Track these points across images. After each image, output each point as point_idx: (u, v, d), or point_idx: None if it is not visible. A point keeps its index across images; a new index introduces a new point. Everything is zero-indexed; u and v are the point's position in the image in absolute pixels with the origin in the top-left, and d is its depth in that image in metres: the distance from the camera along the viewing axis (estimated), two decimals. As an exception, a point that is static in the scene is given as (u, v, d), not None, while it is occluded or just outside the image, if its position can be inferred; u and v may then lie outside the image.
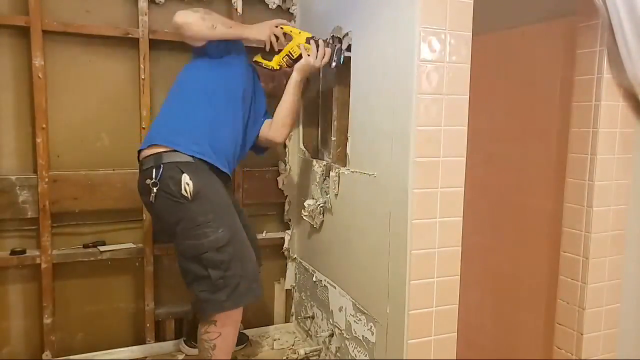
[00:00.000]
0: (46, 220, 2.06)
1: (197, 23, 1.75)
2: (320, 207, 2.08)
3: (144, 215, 2.21)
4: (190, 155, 1.73)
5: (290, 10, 2.41)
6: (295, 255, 2.49)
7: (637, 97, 1.74)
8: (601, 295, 1.82)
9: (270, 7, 2.38)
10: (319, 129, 2.31)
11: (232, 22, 1.91)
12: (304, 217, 2.19)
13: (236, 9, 2.30)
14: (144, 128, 2.18)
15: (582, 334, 1.81)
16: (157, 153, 1.74)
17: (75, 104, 2.13)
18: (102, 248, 2.17)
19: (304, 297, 2.39)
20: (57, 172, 2.09)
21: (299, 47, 1.90)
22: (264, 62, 1.97)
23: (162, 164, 1.71)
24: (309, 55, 1.89)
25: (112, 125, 2.20)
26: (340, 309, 1.96)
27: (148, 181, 1.71)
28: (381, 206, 1.63)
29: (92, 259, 2.15)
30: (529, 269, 2.11)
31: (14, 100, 2.05)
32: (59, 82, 2.09)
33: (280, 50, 1.95)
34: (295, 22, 2.41)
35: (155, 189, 1.69)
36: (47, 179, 2.05)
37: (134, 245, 2.24)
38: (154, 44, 2.19)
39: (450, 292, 1.54)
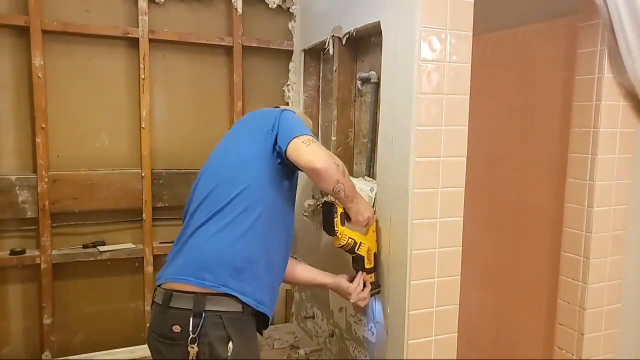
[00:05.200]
0: (46, 220, 2.06)
1: (332, 178, 1.40)
2: (320, 207, 2.07)
3: (143, 215, 2.21)
4: (244, 304, 1.37)
5: (291, 10, 2.41)
6: (296, 255, 2.49)
7: (638, 97, 1.74)
8: (602, 295, 1.82)
9: (270, 6, 2.38)
10: (319, 128, 2.31)
11: (350, 186, 1.49)
12: (304, 217, 2.18)
13: (236, 9, 2.30)
14: (143, 128, 2.18)
15: (582, 334, 1.81)
16: (199, 293, 1.34)
17: (75, 104, 2.13)
18: (101, 248, 2.17)
19: (304, 297, 2.39)
20: (57, 172, 2.08)
21: (368, 252, 1.61)
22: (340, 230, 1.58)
23: (205, 311, 1.32)
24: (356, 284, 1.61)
25: (112, 125, 2.20)
26: (340, 309, 1.96)
27: (177, 329, 1.32)
28: (381, 206, 1.63)
29: (91, 259, 2.15)
30: (529, 269, 2.11)
31: (14, 100, 2.04)
32: (58, 82, 2.09)
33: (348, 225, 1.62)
34: (295, 22, 2.41)
35: (194, 346, 1.30)
36: (46, 179, 2.04)
37: (134, 246, 2.24)
38: (154, 44, 2.19)
39: (450, 292, 1.54)
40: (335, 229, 1.55)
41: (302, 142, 1.38)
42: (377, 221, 1.63)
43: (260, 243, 1.41)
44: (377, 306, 1.67)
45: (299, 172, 1.49)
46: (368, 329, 1.74)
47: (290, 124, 1.45)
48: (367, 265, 1.61)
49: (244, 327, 1.38)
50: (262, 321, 1.46)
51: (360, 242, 1.59)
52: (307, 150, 1.37)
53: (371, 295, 1.64)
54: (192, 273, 1.36)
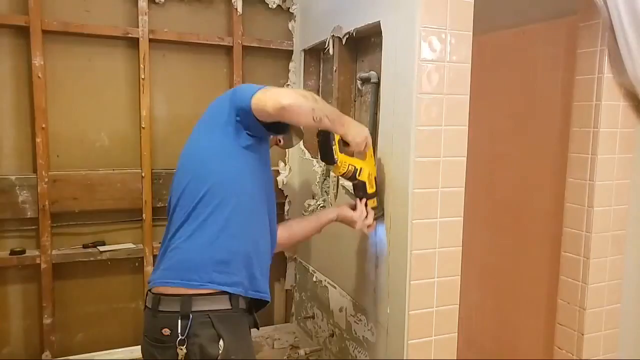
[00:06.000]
0: (46, 220, 2.06)
1: (305, 108, 1.32)
2: (321, 207, 2.08)
3: (143, 215, 2.21)
4: (234, 299, 1.37)
5: (291, 10, 2.41)
6: (295, 255, 2.49)
7: (638, 97, 1.74)
8: (602, 295, 1.82)
9: (270, 6, 2.38)
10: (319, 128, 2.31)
11: (332, 110, 1.47)
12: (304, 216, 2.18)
13: (236, 9, 2.30)
14: (143, 128, 2.18)
15: (582, 334, 1.81)
16: (186, 295, 1.33)
17: (75, 103, 2.13)
18: (101, 248, 2.17)
19: (304, 297, 2.39)
20: (57, 172, 2.08)
21: (369, 177, 1.58)
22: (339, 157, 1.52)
23: (192, 312, 1.32)
24: (358, 209, 1.60)
25: (112, 125, 2.20)
26: (340, 309, 1.96)
27: (167, 332, 1.32)
28: (381, 206, 1.63)
29: (91, 259, 2.15)
30: (529, 269, 2.11)
31: (14, 100, 2.04)
32: (58, 82, 2.09)
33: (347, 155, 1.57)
34: (295, 22, 2.41)
35: (182, 348, 1.30)
36: (46, 179, 2.04)
37: (134, 245, 2.24)
38: (154, 44, 2.19)
39: (450, 292, 1.54)
40: (335, 156, 1.48)
41: (261, 92, 1.33)
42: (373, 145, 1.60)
43: (241, 233, 1.39)
44: (380, 230, 1.64)
45: (269, 151, 1.49)
46: (368, 329, 1.74)
47: (243, 90, 1.39)
48: (369, 190, 1.57)
49: (234, 324, 1.38)
50: (259, 307, 1.47)
51: (361, 168, 1.55)
52: (269, 95, 1.31)
53: (375, 219, 1.62)
54: (178, 275, 1.35)
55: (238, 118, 1.37)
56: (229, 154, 1.40)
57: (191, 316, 1.31)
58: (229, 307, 1.36)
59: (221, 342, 1.32)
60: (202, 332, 1.31)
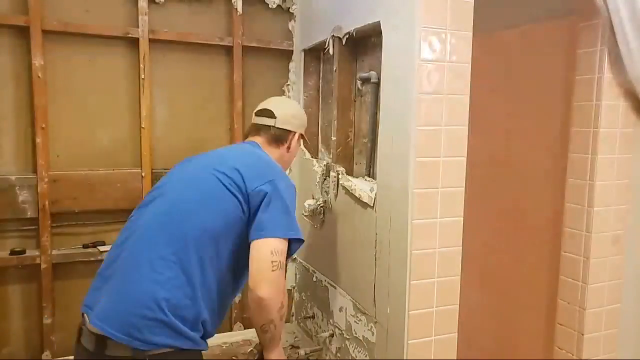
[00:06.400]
0: (46, 220, 2.06)
1: (278, 308, 1.37)
2: (321, 207, 2.08)
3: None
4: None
5: (291, 10, 2.41)
6: (295, 256, 2.49)
7: (638, 97, 1.74)
8: (602, 295, 1.82)
9: (270, 6, 2.38)
10: (319, 128, 2.31)
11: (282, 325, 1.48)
12: (304, 217, 2.18)
13: (236, 9, 2.30)
14: (143, 128, 2.18)
15: (582, 334, 1.81)
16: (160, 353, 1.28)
17: (75, 104, 2.13)
18: (101, 248, 2.17)
19: (304, 297, 2.39)
20: (57, 172, 2.08)
21: None
22: None
23: (149, 356, 1.27)
24: None
25: (112, 125, 2.19)
26: (340, 309, 1.96)
27: None
28: (381, 206, 1.63)
29: (92, 259, 2.15)
30: (529, 269, 2.11)
31: (14, 100, 2.04)
32: (58, 81, 2.09)
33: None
34: (295, 22, 2.41)
35: None
36: (46, 179, 2.04)
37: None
38: (154, 44, 2.19)
39: (450, 292, 1.54)
40: None
41: (272, 261, 1.31)
42: None
43: (206, 300, 1.35)
44: None
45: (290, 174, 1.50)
46: (368, 329, 1.74)
47: (277, 215, 1.37)
48: None
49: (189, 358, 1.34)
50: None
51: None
52: (266, 277, 1.31)
53: None
54: (123, 330, 1.26)
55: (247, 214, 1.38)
56: (233, 221, 1.39)
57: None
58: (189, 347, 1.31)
59: None
60: None
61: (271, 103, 1.70)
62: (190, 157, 1.62)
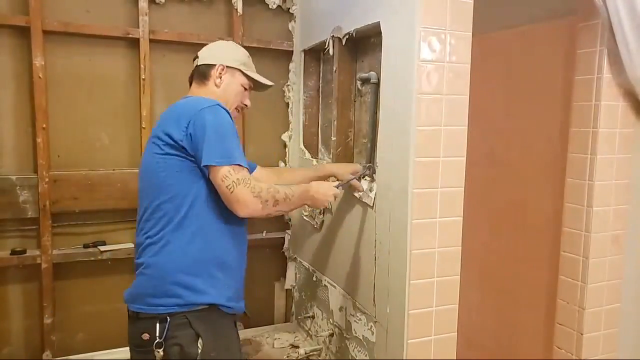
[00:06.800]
0: (46, 220, 2.06)
1: (253, 204, 1.37)
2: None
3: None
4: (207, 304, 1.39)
5: (291, 11, 2.41)
6: (295, 255, 2.49)
7: (637, 97, 1.75)
8: (601, 295, 1.82)
9: (270, 7, 2.39)
10: (319, 128, 2.31)
11: (295, 189, 1.49)
12: (304, 217, 2.19)
13: (236, 9, 2.30)
14: (144, 128, 2.18)
15: (582, 334, 1.81)
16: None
17: (75, 104, 2.13)
18: (102, 248, 2.17)
19: (304, 297, 2.39)
20: (58, 172, 2.09)
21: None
22: None
23: (169, 315, 1.35)
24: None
25: (112, 125, 2.20)
26: (340, 309, 1.96)
27: (146, 337, 1.35)
28: (381, 206, 1.63)
29: (92, 258, 2.15)
30: (529, 269, 2.11)
31: (15, 100, 2.05)
32: (59, 82, 2.09)
33: None
34: (295, 22, 2.41)
35: (160, 351, 1.32)
36: (47, 179, 2.05)
37: (134, 245, 2.24)
38: (154, 44, 2.19)
39: (450, 292, 1.54)
40: None
41: (226, 185, 1.33)
42: None
43: (211, 243, 1.41)
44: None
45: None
46: (368, 329, 1.74)
47: (211, 138, 1.35)
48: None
49: (213, 322, 1.38)
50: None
51: None
52: (231, 198, 1.35)
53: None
54: (145, 302, 1.37)
55: (191, 157, 1.38)
56: (185, 173, 1.40)
57: (168, 318, 1.33)
58: (207, 305, 1.38)
59: (200, 341, 1.33)
60: (180, 333, 1.33)
61: (201, 50, 1.65)
62: None
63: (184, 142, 1.36)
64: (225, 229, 1.43)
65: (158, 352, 1.31)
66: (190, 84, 1.63)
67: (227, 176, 1.34)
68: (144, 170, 1.49)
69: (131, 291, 1.42)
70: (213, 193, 1.40)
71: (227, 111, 1.43)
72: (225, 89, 1.58)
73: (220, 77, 1.56)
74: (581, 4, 1.76)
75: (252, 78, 1.63)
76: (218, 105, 1.41)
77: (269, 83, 1.69)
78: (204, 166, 1.35)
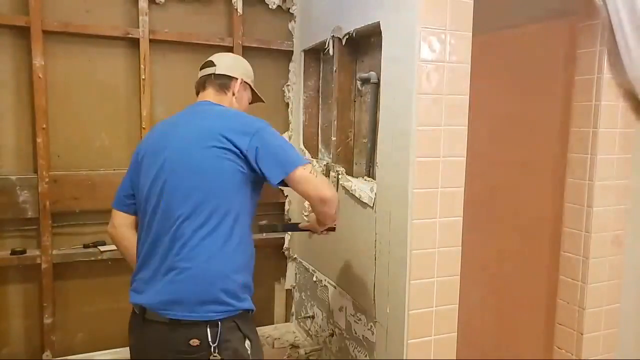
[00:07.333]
0: (46, 220, 2.06)
1: (337, 201, 1.46)
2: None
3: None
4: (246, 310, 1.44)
5: (291, 11, 2.41)
6: (295, 255, 2.49)
7: (637, 97, 1.74)
8: (601, 295, 1.82)
9: (270, 7, 2.38)
10: (319, 129, 2.31)
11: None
12: (304, 217, 2.19)
13: (236, 9, 2.30)
14: (144, 128, 2.18)
15: (582, 334, 1.81)
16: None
17: (75, 103, 2.13)
18: (102, 248, 2.17)
19: (304, 297, 2.39)
20: (58, 172, 2.09)
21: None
22: None
23: (220, 320, 1.35)
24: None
25: (112, 125, 2.20)
26: (340, 309, 1.96)
27: (195, 342, 1.33)
28: (381, 206, 1.63)
29: (92, 259, 2.15)
30: (529, 269, 2.11)
31: (14, 101, 2.05)
32: (59, 82, 2.09)
33: None
34: (295, 22, 2.41)
35: (216, 355, 1.33)
36: (47, 179, 2.05)
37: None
38: (154, 44, 2.19)
39: (450, 292, 1.54)
40: None
41: (310, 172, 1.41)
42: None
43: (244, 258, 1.47)
44: None
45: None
46: (368, 329, 1.74)
47: (282, 150, 1.43)
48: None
49: (251, 323, 1.46)
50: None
51: None
52: (318, 183, 1.42)
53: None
54: (191, 309, 1.35)
55: (256, 166, 1.40)
56: (238, 180, 1.42)
57: (220, 324, 1.34)
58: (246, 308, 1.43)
59: (247, 342, 1.39)
60: (232, 337, 1.36)
61: (212, 56, 1.69)
62: (151, 137, 1.58)
63: (248, 152, 1.39)
64: (250, 237, 1.50)
65: (215, 355, 1.33)
66: (201, 87, 1.64)
67: (311, 170, 1.42)
68: (181, 165, 1.43)
69: (162, 298, 1.37)
70: (251, 206, 1.47)
71: None
72: (240, 102, 1.65)
73: (238, 91, 1.63)
74: (581, 4, 1.76)
75: (255, 92, 1.74)
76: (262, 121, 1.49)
77: (264, 100, 1.82)
78: (287, 173, 1.39)
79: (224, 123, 1.45)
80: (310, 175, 1.41)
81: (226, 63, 1.64)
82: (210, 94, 1.61)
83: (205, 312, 1.34)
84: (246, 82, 1.66)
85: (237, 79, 1.62)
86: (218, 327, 1.34)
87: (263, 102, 1.79)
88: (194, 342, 1.32)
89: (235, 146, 1.38)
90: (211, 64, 1.63)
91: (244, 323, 1.40)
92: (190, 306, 1.34)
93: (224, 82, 1.61)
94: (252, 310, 1.46)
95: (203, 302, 1.35)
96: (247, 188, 1.43)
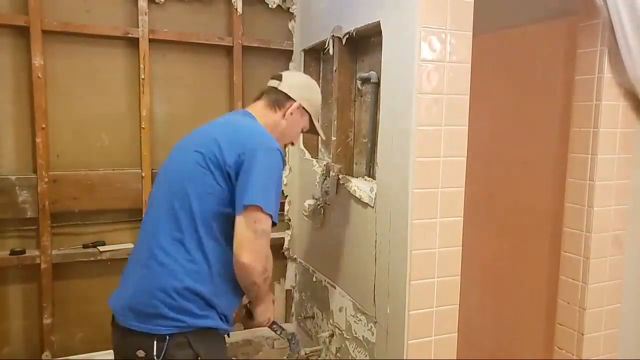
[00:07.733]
0: (46, 220, 2.06)
1: (260, 262, 1.37)
2: (321, 206, 2.08)
3: (143, 215, 2.21)
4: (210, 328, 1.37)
5: (291, 10, 2.41)
6: (295, 255, 2.49)
7: (638, 97, 1.74)
8: (602, 295, 1.82)
9: (270, 6, 2.38)
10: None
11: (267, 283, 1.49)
12: (305, 217, 2.18)
13: (236, 9, 2.30)
14: (143, 128, 2.18)
15: (582, 334, 1.81)
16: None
17: (75, 104, 2.13)
18: (101, 248, 2.17)
19: (304, 297, 2.39)
20: (57, 172, 2.08)
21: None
22: None
23: (170, 335, 1.31)
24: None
25: (112, 125, 2.20)
26: (340, 309, 1.96)
27: (141, 354, 1.30)
28: (381, 206, 1.63)
29: (91, 259, 2.15)
30: (529, 269, 2.11)
31: (14, 100, 2.04)
32: (58, 82, 2.09)
33: None
34: (295, 22, 2.41)
35: None
36: (46, 179, 2.04)
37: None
38: (154, 44, 2.19)
39: (450, 292, 1.54)
40: None
41: (255, 225, 1.31)
42: None
43: (212, 267, 1.37)
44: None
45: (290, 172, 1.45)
46: (368, 329, 1.74)
47: (259, 182, 1.33)
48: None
49: (211, 341, 1.37)
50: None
51: None
52: (247, 240, 1.31)
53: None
54: (142, 320, 1.32)
55: (235, 182, 1.35)
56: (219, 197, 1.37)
57: (167, 338, 1.29)
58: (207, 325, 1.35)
59: None
60: (179, 353, 1.30)
61: (287, 71, 1.66)
62: (182, 139, 1.57)
63: (235, 165, 1.33)
64: (230, 259, 1.37)
65: None
66: (258, 96, 1.61)
67: (260, 221, 1.32)
68: (170, 168, 1.44)
69: (123, 303, 1.36)
70: (226, 222, 1.36)
71: (282, 155, 1.42)
72: (289, 125, 1.58)
73: (292, 113, 1.56)
74: (582, 4, 1.76)
75: (312, 124, 1.66)
76: (279, 149, 1.40)
77: (323, 137, 1.75)
78: (244, 204, 1.31)
79: (228, 137, 1.39)
80: (252, 227, 1.30)
81: (291, 82, 1.59)
82: (258, 106, 1.57)
83: (154, 325, 1.30)
84: (304, 109, 1.60)
85: (294, 101, 1.56)
86: (165, 341, 1.28)
87: (320, 136, 1.75)
88: (140, 353, 1.30)
89: (222, 156, 1.34)
90: (279, 77, 1.59)
91: (199, 340, 1.32)
92: (142, 317, 1.32)
93: (279, 99, 1.56)
94: (220, 329, 1.38)
95: (149, 315, 1.31)
96: (221, 203, 1.35)
